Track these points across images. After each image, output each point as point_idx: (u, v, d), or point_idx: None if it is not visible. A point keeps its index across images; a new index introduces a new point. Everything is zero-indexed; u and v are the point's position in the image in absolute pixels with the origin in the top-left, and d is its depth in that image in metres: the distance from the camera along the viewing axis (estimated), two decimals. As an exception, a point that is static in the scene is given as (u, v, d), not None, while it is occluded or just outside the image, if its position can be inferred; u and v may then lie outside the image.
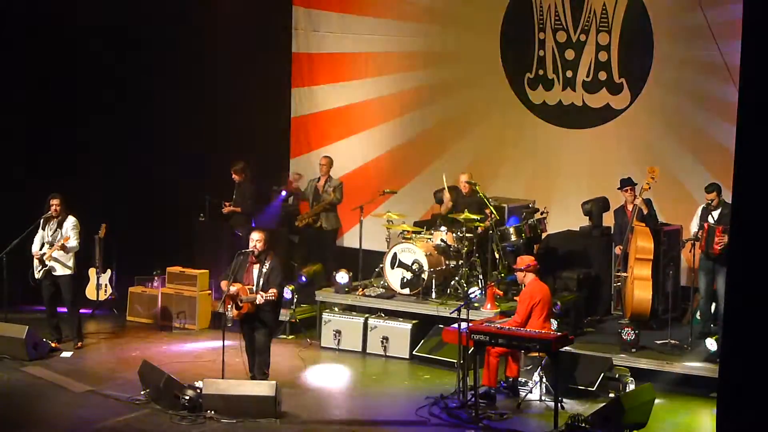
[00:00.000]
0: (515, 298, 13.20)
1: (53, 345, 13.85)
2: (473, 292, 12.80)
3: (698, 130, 14.97)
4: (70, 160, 16.17)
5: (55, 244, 13.74)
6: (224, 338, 12.04)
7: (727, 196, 13.08)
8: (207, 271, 15.55)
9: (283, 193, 16.49)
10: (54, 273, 13.84)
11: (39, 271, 13.85)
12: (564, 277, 14.26)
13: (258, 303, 12.03)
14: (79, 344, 14.06)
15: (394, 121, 17.08)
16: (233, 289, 12.13)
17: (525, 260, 12.59)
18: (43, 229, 13.89)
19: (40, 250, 13.84)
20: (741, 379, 8.05)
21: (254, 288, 12.13)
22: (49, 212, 13.82)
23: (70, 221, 13.87)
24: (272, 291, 12.01)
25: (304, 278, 15.43)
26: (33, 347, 13.47)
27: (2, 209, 15.23)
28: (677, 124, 15.15)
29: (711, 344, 12.46)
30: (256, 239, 12.25)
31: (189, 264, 15.81)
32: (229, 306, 12.19)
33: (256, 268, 12.26)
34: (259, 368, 12.39)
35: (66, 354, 13.78)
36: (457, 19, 16.48)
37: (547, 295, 12.32)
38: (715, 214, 13.33)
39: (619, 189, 14.14)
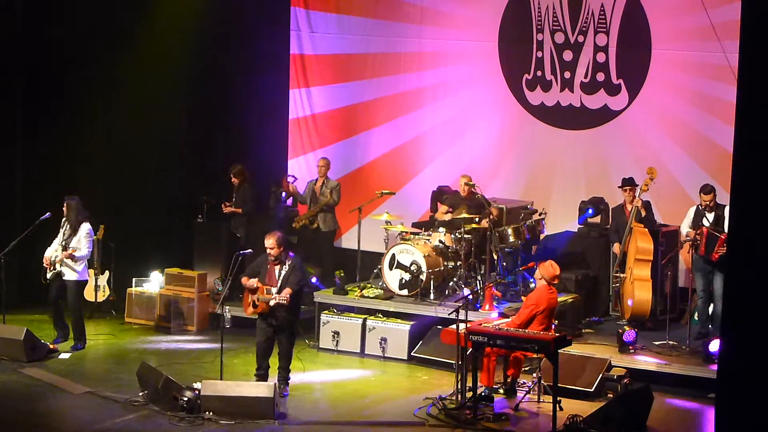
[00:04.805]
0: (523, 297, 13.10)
1: (51, 346, 13.84)
2: (468, 294, 12.73)
3: (696, 131, 14.96)
4: (69, 161, 16.15)
5: (66, 251, 13.74)
6: (222, 339, 12.03)
7: (724, 196, 13.11)
8: (205, 272, 15.56)
9: (284, 194, 16.46)
10: (63, 277, 13.86)
11: (50, 272, 13.87)
12: (562, 278, 14.23)
13: (271, 305, 12.01)
14: (80, 348, 14.07)
15: (392, 123, 17.05)
16: (252, 282, 12.10)
17: (551, 271, 12.15)
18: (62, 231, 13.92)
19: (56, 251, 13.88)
20: (739, 380, 8.04)
21: (277, 288, 12.11)
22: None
23: (84, 229, 13.86)
24: (286, 293, 11.98)
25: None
26: (31, 349, 13.45)
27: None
28: (675, 125, 15.14)
29: (713, 346, 12.35)
30: (269, 246, 12.19)
31: (187, 265, 15.81)
32: (250, 301, 12.13)
33: (277, 268, 12.25)
34: (281, 375, 12.36)
35: (64, 355, 13.76)
36: (455, 20, 16.46)
37: (553, 305, 12.20)
38: (710, 216, 13.31)
39: (619, 187, 14.15)
